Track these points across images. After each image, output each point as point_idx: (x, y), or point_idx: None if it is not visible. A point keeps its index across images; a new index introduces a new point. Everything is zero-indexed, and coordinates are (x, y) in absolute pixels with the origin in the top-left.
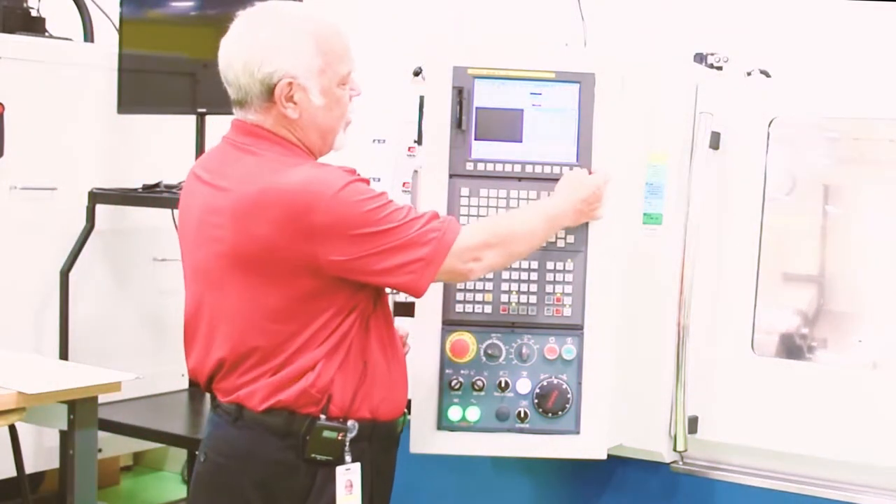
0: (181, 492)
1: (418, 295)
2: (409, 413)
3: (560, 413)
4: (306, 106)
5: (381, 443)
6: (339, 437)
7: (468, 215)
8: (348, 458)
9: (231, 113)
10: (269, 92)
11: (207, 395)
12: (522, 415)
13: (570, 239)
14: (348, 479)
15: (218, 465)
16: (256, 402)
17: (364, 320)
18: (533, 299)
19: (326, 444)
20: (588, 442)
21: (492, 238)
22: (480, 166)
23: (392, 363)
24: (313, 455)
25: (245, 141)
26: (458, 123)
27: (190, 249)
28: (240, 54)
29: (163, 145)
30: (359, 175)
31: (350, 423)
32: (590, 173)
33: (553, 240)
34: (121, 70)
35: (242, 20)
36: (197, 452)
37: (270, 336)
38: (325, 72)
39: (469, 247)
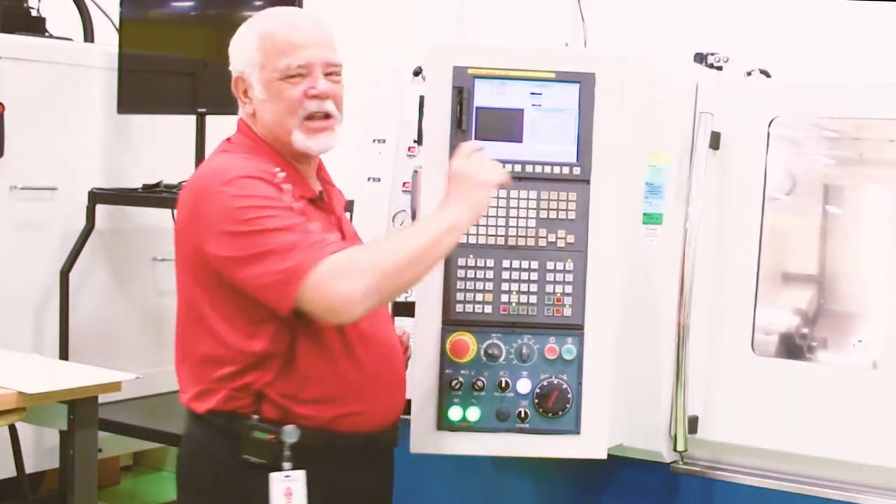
0: None
1: (280, 312)
2: (396, 426)
3: (560, 413)
4: (255, 100)
5: (346, 457)
6: (270, 439)
7: None
8: (287, 464)
9: (232, 112)
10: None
11: None
12: (523, 415)
13: (571, 239)
14: (287, 486)
15: (184, 464)
16: (196, 403)
17: (300, 326)
18: (533, 299)
19: (258, 446)
20: (588, 442)
21: (365, 261)
22: None
23: (365, 374)
24: (247, 456)
25: (230, 136)
26: (458, 123)
27: None
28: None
29: (163, 145)
30: (269, 177)
31: (288, 427)
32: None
33: (553, 240)
34: (121, 70)
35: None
36: None
37: (203, 336)
38: (265, 66)
39: (338, 267)
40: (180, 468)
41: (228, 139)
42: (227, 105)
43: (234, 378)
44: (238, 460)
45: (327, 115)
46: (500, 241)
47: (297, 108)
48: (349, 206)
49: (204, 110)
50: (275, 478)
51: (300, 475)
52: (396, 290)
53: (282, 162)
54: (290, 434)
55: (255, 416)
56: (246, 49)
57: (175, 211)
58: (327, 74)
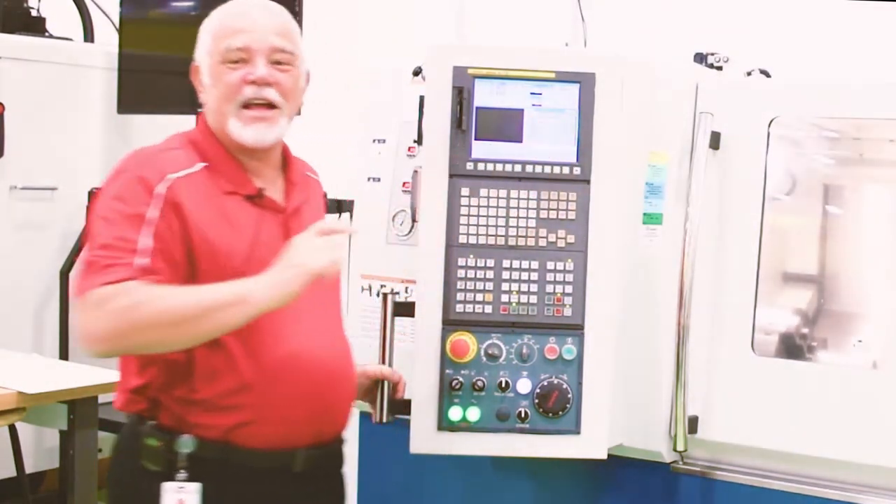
0: None
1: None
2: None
3: (560, 413)
4: (204, 88)
5: (250, 475)
6: (161, 446)
7: (468, 215)
8: (181, 475)
9: None
10: None
11: None
12: (523, 415)
13: (571, 239)
14: (180, 498)
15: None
16: (116, 404)
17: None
18: (533, 299)
19: (152, 453)
20: (588, 442)
21: (112, 302)
22: (480, 166)
23: (275, 387)
24: (144, 462)
25: (181, 132)
26: (458, 123)
27: None
28: None
29: None
30: (156, 179)
31: (184, 437)
32: None
33: (553, 240)
34: (121, 70)
35: None
36: None
37: None
38: (211, 52)
39: (95, 299)
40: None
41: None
42: None
43: (132, 379)
44: (135, 467)
45: (271, 105)
46: (500, 241)
47: (235, 94)
48: (343, 206)
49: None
50: (167, 488)
51: (194, 488)
52: (152, 344)
53: (220, 155)
54: (185, 444)
55: (152, 422)
56: (201, 36)
57: None
58: (275, 62)
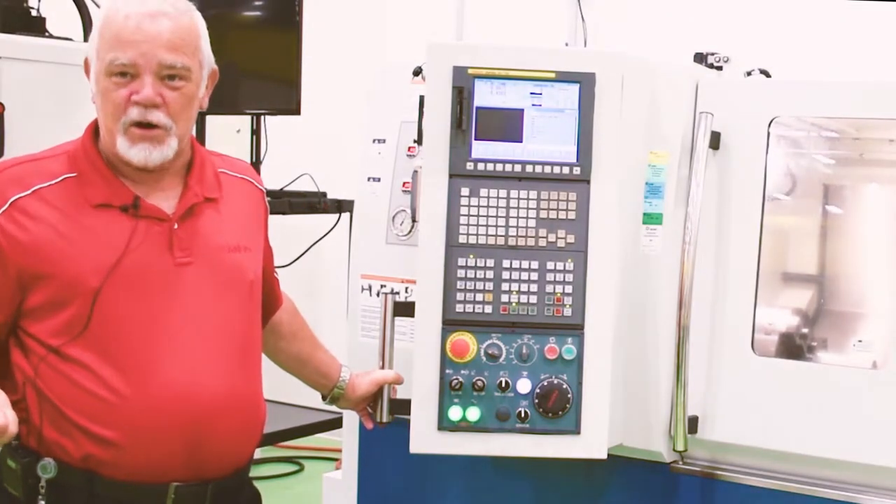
0: None
1: None
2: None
3: (560, 413)
4: (92, 92)
5: (108, 501)
6: (19, 469)
7: (468, 215)
8: (42, 501)
9: (231, 112)
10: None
11: None
12: (523, 415)
13: (571, 239)
14: None
15: None
16: None
17: (41, 351)
18: (533, 299)
19: (12, 476)
20: (588, 442)
21: None
22: (480, 166)
23: (143, 413)
24: (6, 486)
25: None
26: (458, 123)
27: None
28: None
29: None
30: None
31: (45, 460)
32: None
33: (553, 240)
34: None
35: None
36: None
37: None
38: (98, 55)
39: None
40: None
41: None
42: (227, 105)
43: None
44: (1, 490)
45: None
46: (500, 241)
47: (121, 113)
48: (343, 206)
49: (203, 110)
50: None
51: None
52: None
53: (94, 165)
54: (46, 468)
55: (15, 441)
56: (95, 26)
57: None
58: (166, 77)
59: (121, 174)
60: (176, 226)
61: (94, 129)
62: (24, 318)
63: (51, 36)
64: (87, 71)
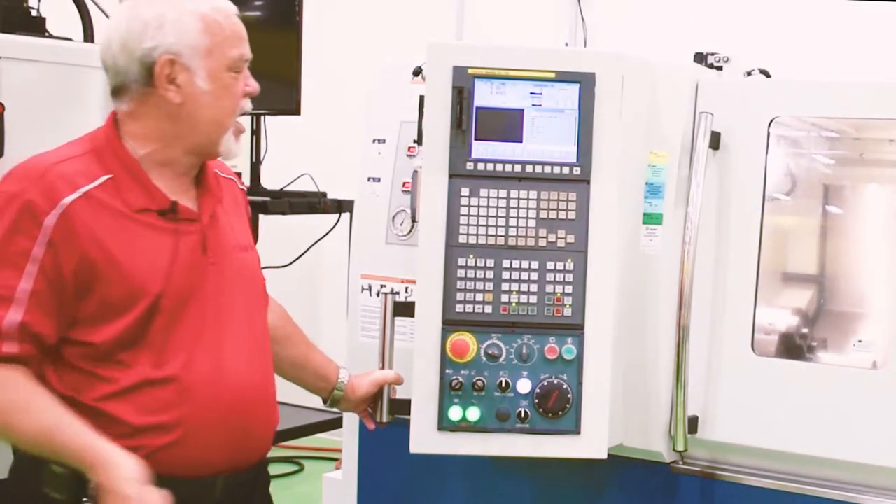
0: None
1: None
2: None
3: (560, 413)
4: (190, 91)
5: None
6: (67, 472)
7: (468, 215)
8: (87, 502)
9: None
10: (149, 73)
11: None
12: (523, 415)
13: (571, 239)
14: None
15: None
16: None
17: (105, 350)
18: (533, 299)
19: (57, 481)
20: (588, 442)
21: None
22: (480, 166)
23: (182, 405)
24: (47, 490)
25: (88, 134)
26: (458, 123)
27: None
28: (118, 32)
29: None
30: (48, 205)
31: None
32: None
33: (553, 240)
34: None
35: (126, 1)
36: None
37: None
38: (213, 53)
39: None
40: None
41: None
42: None
43: None
44: (38, 495)
45: None
46: (500, 241)
47: (238, 105)
48: (343, 206)
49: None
50: None
51: None
52: None
53: (127, 166)
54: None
55: None
56: (183, 29)
57: None
58: None
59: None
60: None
61: (113, 127)
62: (76, 326)
63: (51, 36)
64: (169, 75)
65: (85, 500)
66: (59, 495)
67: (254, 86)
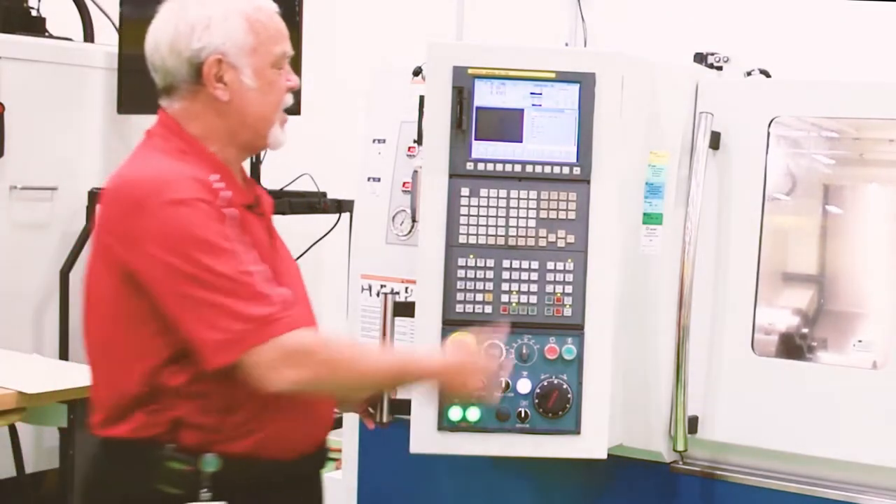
0: None
1: (207, 367)
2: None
3: (560, 413)
4: (237, 88)
5: (262, 484)
6: (189, 469)
7: (468, 215)
8: (206, 494)
9: None
10: (198, 73)
11: None
12: (523, 415)
13: (571, 239)
14: None
15: (84, 493)
16: (104, 425)
17: None
18: (533, 299)
19: (175, 476)
20: (588, 442)
21: (320, 354)
22: (480, 166)
23: (289, 398)
24: (161, 487)
25: (153, 131)
26: (458, 123)
27: None
28: (166, 34)
29: None
30: (220, 203)
31: (208, 456)
32: None
33: (553, 240)
34: (121, 70)
35: (170, 2)
36: None
37: (107, 350)
38: (258, 51)
39: (291, 349)
40: (83, 498)
41: (151, 133)
42: None
43: (149, 402)
44: (150, 492)
45: None
46: (500, 241)
47: (282, 100)
48: (343, 206)
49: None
50: None
51: None
52: (326, 392)
53: (216, 165)
54: (210, 463)
55: (172, 445)
56: (229, 29)
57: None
58: None
59: None
60: None
61: (183, 128)
62: None
63: (51, 36)
64: (217, 73)
65: (204, 490)
66: (177, 490)
67: (295, 81)
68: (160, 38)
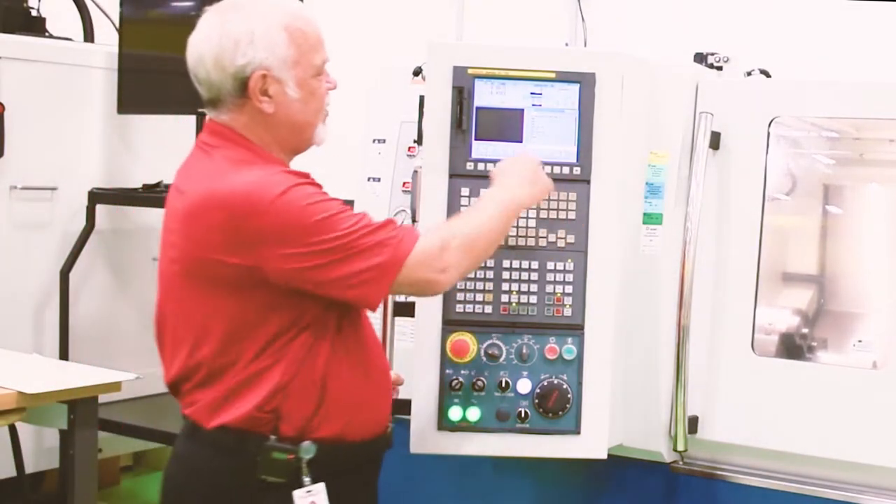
0: None
1: (372, 308)
2: (392, 423)
3: (560, 413)
4: (282, 100)
5: (349, 464)
6: (290, 459)
7: None
8: (307, 479)
9: None
10: (243, 87)
11: None
12: (523, 415)
13: (571, 239)
14: (311, 501)
15: (173, 483)
16: (205, 419)
17: (323, 338)
18: (533, 299)
19: (278, 466)
20: (588, 442)
21: (453, 241)
22: (480, 166)
23: (367, 383)
24: (264, 477)
25: (211, 142)
26: (458, 123)
27: (160, 256)
28: (210, 49)
29: (163, 145)
30: (310, 179)
31: (306, 443)
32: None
33: (553, 240)
34: (121, 70)
35: (211, 15)
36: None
37: (217, 348)
38: (300, 62)
39: (430, 254)
40: (172, 487)
41: (209, 144)
42: None
43: (258, 395)
44: (248, 481)
45: None
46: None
47: (323, 104)
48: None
49: (204, 110)
50: (298, 495)
51: (321, 488)
52: (475, 264)
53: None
54: (308, 450)
55: (273, 437)
56: (272, 43)
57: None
58: None
59: None
60: None
61: (248, 139)
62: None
63: (51, 36)
64: (262, 87)
65: (306, 479)
66: (280, 478)
67: (334, 82)
68: (204, 52)
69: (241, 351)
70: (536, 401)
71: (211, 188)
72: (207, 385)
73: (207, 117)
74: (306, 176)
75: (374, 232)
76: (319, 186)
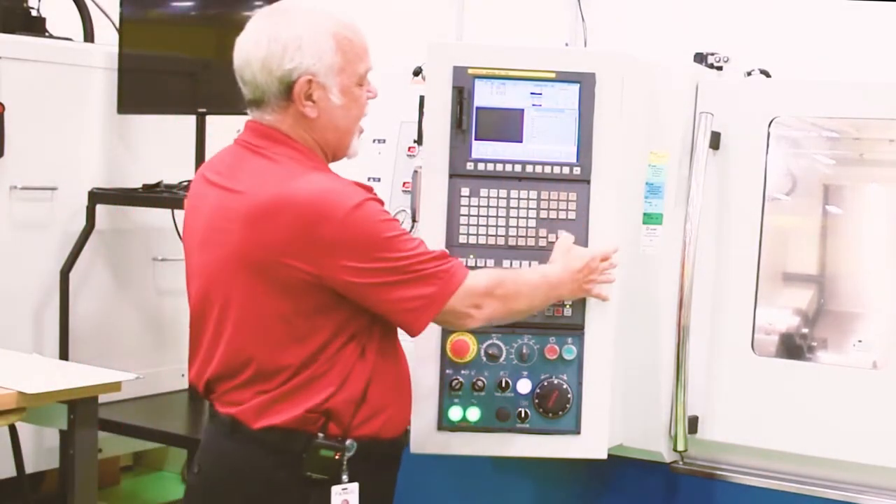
0: (181, 492)
1: (413, 334)
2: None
3: (560, 413)
4: (325, 105)
5: (381, 460)
6: (337, 457)
7: (468, 215)
8: (345, 477)
9: (232, 112)
10: (288, 90)
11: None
12: (523, 415)
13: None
14: (344, 499)
15: (211, 480)
16: (252, 418)
17: (369, 341)
18: None
19: (323, 463)
20: (588, 442)
21: (497, 289)
22: (480, 166)
23: (398, 384)
24: (309, 474)
25: (259, 144)
26: (458, 123)
27: (197, 251)
28: (258, 52)
29: (163, 145)
30: (374, 194)
31: (349, 441)
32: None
33: (553, 240)
34: (121, 70)
35: (260, 18)
36: (191, 462)
37: (269, 349)
38: (345, 70)
39: (474, 292)
40: (212, 486)
41: (256, 145)
42: (227, 105)
43: (310, 397)
44: (293, 478)
45: None
46: (500, 241)
47: (363, 113)
48: None
49: (204, 110)
50: (335, 491)
51: (354, 487)
52: (504, 319)
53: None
54: (350, 448)
55: (321, 435)
56: (319, 50)
57: (221, 222)
58: None
59: None
60: None
61: (299, 143)
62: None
63: (51, 36)
64: (307, 92)
65: (344, 476)
66: (323, 475)
67: (375, 91)
68: (252, 54)
69: (293, 355)
70: (536, 401)
71: (282, 191)
72: (253, 385)
73: (249, 117)
74: (371, 190)
75: (431, 260)
76: (382, 203)
